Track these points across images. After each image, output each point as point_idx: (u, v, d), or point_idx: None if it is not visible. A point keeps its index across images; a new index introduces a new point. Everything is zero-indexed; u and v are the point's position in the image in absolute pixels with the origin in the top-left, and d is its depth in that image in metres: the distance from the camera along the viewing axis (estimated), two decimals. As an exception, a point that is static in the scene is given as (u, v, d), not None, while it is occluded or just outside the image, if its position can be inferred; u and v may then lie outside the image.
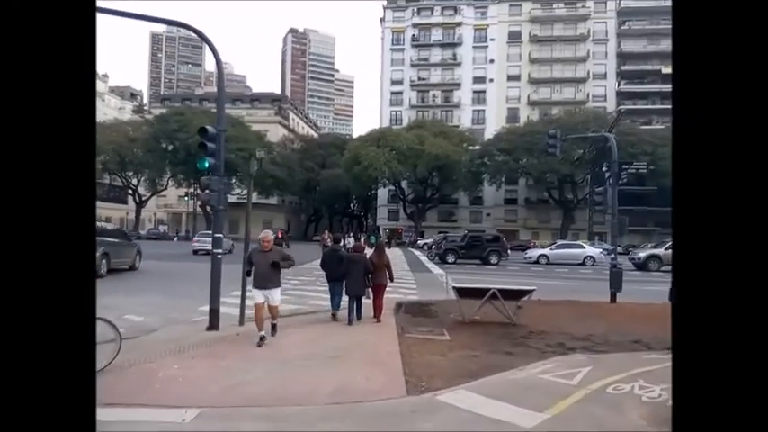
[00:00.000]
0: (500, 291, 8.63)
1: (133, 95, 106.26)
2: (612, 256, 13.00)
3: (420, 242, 46.43)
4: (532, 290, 8.75)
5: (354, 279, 8.40)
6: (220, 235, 7.45)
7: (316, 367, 5.63)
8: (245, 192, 50.02)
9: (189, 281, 14.38)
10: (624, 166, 15.01)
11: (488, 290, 8.68)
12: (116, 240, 15.91)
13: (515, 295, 8.96)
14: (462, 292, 8.83)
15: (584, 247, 27.78)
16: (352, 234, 24.08)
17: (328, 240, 19.56)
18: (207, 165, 6.87)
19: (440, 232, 48.47)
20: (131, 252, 17.19)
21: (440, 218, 61.75)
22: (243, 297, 7.84)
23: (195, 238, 30.00)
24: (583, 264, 26.25)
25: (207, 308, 9.18)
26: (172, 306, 10.19)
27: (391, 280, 9.14)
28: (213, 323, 7.29)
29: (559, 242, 30.55)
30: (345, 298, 8.66)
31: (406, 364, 5.86)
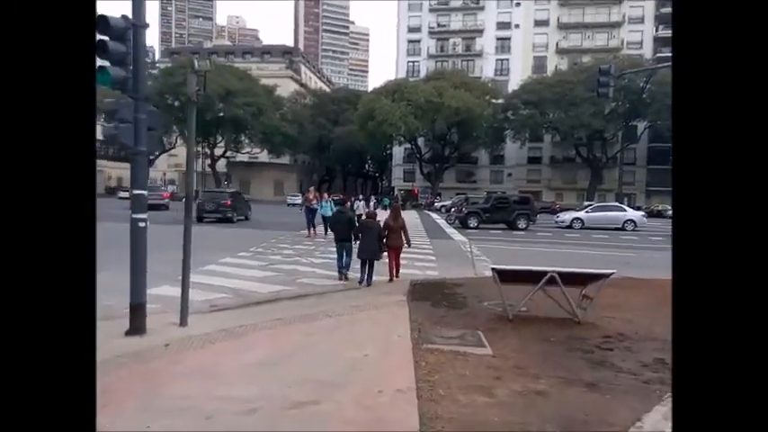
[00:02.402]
0: (561, 274, 6.00)
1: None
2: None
3: (437, 204, 43.60)
4: (610, 274, 6.07)
5: (367, 243, 8.25)
6: (143, 192, 4.87)
7: None
8: (255, 150, 47.86)
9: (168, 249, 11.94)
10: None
11: (543, 273, 6.05)
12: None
13: (582, 280, 6.33)
14: (505, 276, 6.21)
15: (624, 210, 24.66)
16: (362, 197, 20.85)
17: (314, 201, 16.26)
18: (109, 78, 4.18)
19: (458, 194, 45.57)
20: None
21: (458, 178, 58.65)
22: (185, 283, 5.35)
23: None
24: (623, 228, 23.29)
25: (159, 290, 6.89)
26: (119, 287, 7.85)
27: (408, 245, 8.95)
28: (136, 325, 4.85)
29: (596, 204, 27.43)
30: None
31: (425, 416, 3.35)
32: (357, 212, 16.52)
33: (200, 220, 19.91)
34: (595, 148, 50.25)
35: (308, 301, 7.05)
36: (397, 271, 8.92)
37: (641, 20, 55.73)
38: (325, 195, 17.47)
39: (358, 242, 8.53)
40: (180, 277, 8.23)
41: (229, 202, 21.17)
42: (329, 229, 14.94)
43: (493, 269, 6.10)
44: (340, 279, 8.80)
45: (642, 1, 55.79)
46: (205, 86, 4.95)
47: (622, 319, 6.48)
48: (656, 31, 55.33)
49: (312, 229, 16.32)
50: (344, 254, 8.86)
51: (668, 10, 54.84)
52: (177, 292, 6.81)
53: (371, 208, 17.29)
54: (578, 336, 5.66)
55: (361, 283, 8.29)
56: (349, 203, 16.83)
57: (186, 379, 3.95)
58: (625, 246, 16.89)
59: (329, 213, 15.32)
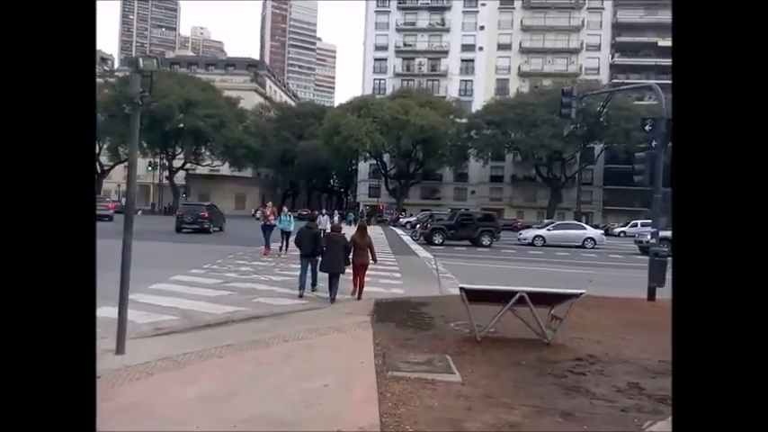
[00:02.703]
0: (531, 294, 5.77)
1: (103, 60, 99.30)
2: (652, 240, 10.25)
3: (402, 220, 43.53)
4: (579, 294, 5.89)
5: (333, 257, 8.23)
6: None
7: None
8: (216, 163, 46.44)
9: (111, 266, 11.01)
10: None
11: (513, 293, 5.81)
12: None
13: (551, 300, 6.12)
14: (473, 296, 5.93)
15: (584, 228, 25.22)
16: (326, 212, 20.21)
17: (271, 217, 15.33)
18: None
19: (423, 210, 45.67)
20: None
21: (423, 195, 58.99)
22: (122, 307, 4.76)
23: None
24: (583, 246, 23.76)
25: (99, 312, 6.19)
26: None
27: (374, 261, 9.03)
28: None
29: (558, 222, 27.92)
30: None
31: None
32: (320, 227, 16.06)
33: (178, 230, 22.21)
34: (555, 168, 51.68)
35: (262, 323, 6.53)
36: (361, 289, 8.73)
37: (598, 47, 58.38)
38: (285, 209, 16.37)
39: (321, 257, 8.45)
40: (136, 297, 7.68)
41: (207, 215, 23.11)
42: (289, 245, 14.26)
43: (461, 288, 5.81)
44: (300, 297, 8.48)
45: (599, 30, 58.50)
46: (151, 89, 4.49)
47: (591, 339, 6.31)
48: (612, 58, 58.03)
49: (268, 246, 15.30)
50: (309, 269, 8.72)
51: (624, 39, 57.78)
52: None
53: (336, 222, 16.87)
54: (549, 359, 5.42)
55: (332, 301, 8.09)
56: (318, 220, 16.41)
57: (115, 419, 3.41)
58: (586, 263, 17.12)
59: (290, 228, 14.66)
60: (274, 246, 15.31)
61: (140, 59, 4.27)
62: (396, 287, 10.09)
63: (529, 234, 25.11)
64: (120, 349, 4.61)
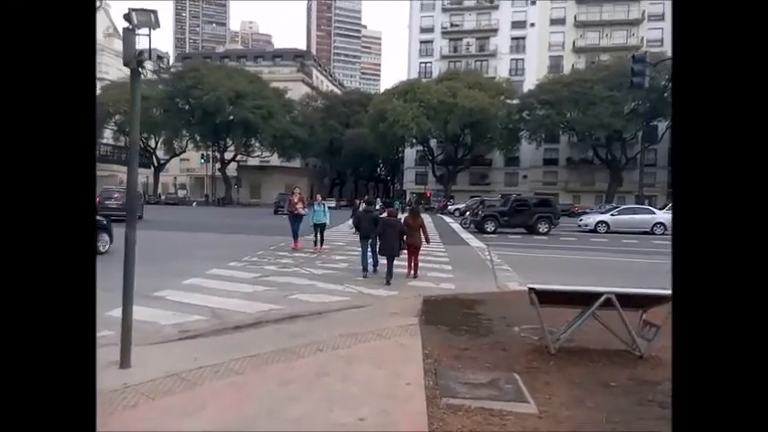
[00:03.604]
0: (619, 296, 4.62)
1: (160, 58, 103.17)
2: None
3: (451, 207, 42.10)
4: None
5: (388, 240, 8.62)
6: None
7: None
8: (265, 154, 47.30)
9: (149, 259, 10.68)
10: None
11: (596, 294, 4.68)
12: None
13: (644, 302, 4.94)
14: (545, 297, 4.84)
15: (653, 212, 22.91)
16: (365, 200, 18.25)
17: (299, 206, 13.03)
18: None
19: (471, 197, 43.97)
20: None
21: (471, 181, 57.14)
22: (126, 316, 4.06)
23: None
24: (651, 232, 21.63)
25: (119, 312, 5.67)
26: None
27: (427, 242, 9.55)
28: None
29: (623, 206, 25.68)
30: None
31: None
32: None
33: (276, 213, 22.07)
34: (614, 149, 48.38)
35: (297, 325, 5.75)
36: (416, 268, 9.31)
37: (662, 17, 53.68)
38: (318, 198, 13.66)
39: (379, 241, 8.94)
40: (156, 293, 7.17)
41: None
42: (324, 240, 12.98)
43: (530, 289, 4.73)
44: (364, 277, 9.05)
45: (663, -3, 53.87)
46: (150, 52, 3.71)
47: (694, 351, 5.08)
48: (678, 27, 53.30)
49: (297, 240, 13.13)
50: (367, 250, 9.35)
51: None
52: (144, 313, 5.64)
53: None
54: (646, 378, 4.28)
55: (388, 283, 8.41)
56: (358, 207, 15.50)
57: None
58: (660, 252, 15.31)
59: (324, 220, 12.88)
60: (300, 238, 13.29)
61: (134, 14, 3.48)
62: (446, 281, 9.10)
63: (591, 220, 23.19)
64: (124, 362, 3.93)
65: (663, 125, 47.69)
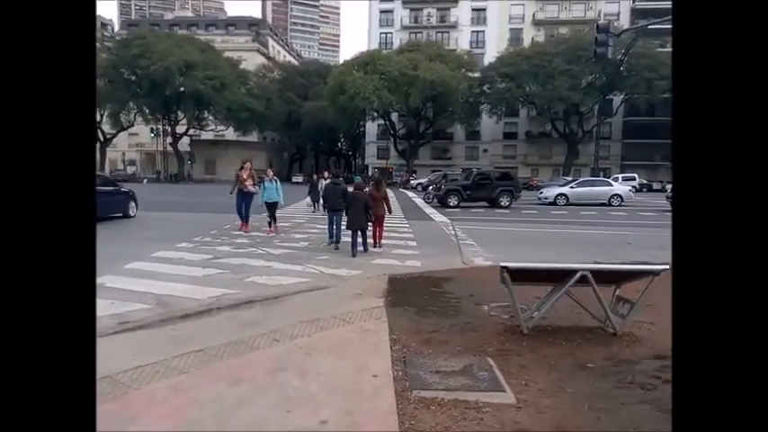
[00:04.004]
0: (594, 272, 4.40)
1: (103, 25, 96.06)
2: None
3: (413, 182, 41.93)
4: (659, 270, 4.47)
5: (356, 213, 8.74)
6: None
7: None
8: (220, 128, 44.72)
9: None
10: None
11: (570, 271, 4.44)
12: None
13: (619, 278, 4.75)
14: (517, 275, 4.56)
15: (611, 185, 23.47)
16: (328, 176, 16.89)
17: (248, 183, 11.51)
18: None
19: (433, 171, 43.88)
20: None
21: (433, 155, 57.10)
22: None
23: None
24: (609, 204, 22.16)
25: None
26: None
27: (389, 212, 9.94)
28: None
29: (582, 179, 26.17)
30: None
31: None
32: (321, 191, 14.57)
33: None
34: (572, 123, 49.26)
35: (252, 311, 5.27)
36: (381, 238, 9.66)
37: (618, -9, 54.47)
38: (269, 172, 11.93)
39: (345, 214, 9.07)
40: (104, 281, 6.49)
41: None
42: (277, 219, 11.76)
43: (503, 267, 4.44)
44: (330, 245, 9.49)
45: (619, -29, 54.48)
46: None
47: (665, 327, 4.98)
48: (634, 2, 54.18)
49: (246, 220, 11.70)
50: (334, 223, 9.45)
51: (645, -20, 53.65)
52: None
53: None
54: (624, 357, 4.11)
55: (354, 256, 8.55)
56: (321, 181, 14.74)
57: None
58: (619, 224, 15.62)
59: (276, 198, 11.45)
60: (255, 219, 12.18)
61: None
62: (411, 258, 8.79)
63: (550, 192, 23.52)
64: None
65: (618, 99, 48.87)
